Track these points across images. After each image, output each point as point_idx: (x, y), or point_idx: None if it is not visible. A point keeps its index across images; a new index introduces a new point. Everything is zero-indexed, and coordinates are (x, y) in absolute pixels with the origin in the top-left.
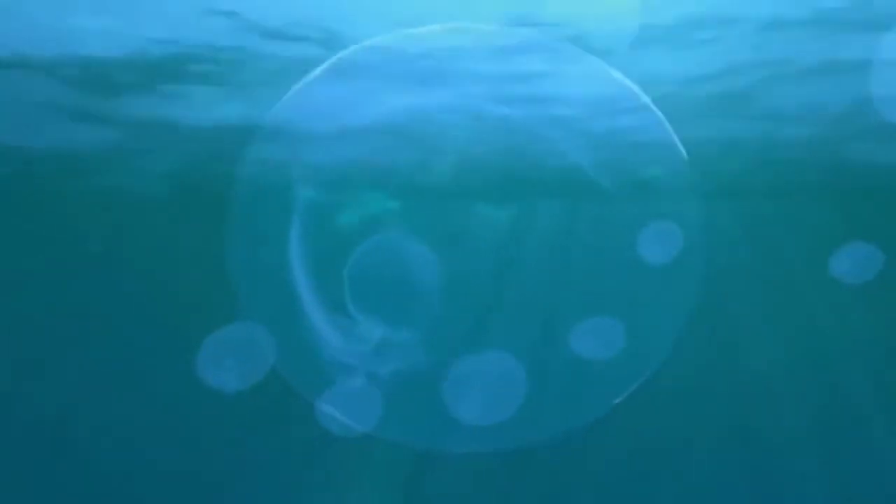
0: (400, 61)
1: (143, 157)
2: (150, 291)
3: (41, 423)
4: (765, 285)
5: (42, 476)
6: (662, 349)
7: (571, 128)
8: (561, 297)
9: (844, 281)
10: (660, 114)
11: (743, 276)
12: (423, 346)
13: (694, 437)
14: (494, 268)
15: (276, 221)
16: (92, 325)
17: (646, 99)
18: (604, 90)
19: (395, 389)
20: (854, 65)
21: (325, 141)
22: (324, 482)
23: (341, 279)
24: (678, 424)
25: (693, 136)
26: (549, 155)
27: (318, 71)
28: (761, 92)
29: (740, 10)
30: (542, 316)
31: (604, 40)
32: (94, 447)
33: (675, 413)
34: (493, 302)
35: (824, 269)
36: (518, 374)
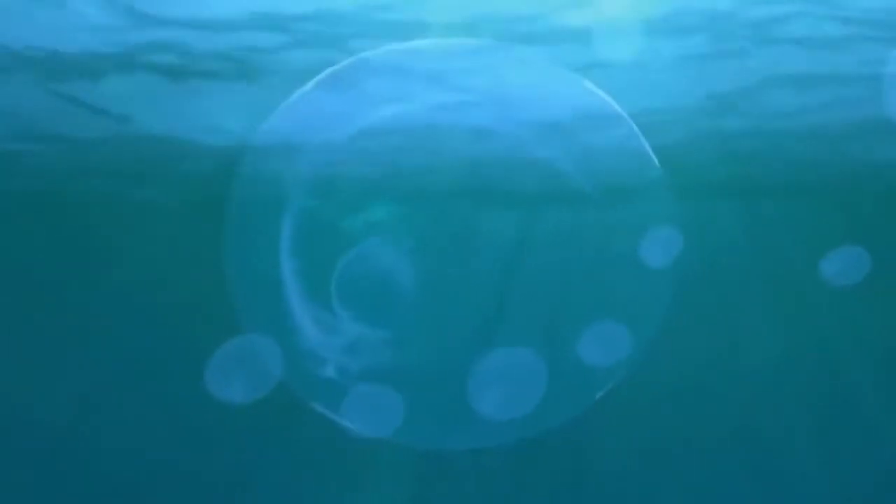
0: (389, 73)
1: (143, 161)
2: (152, 301)
3: (45, 433)
4: (764, 285)
5: (47, 487)
6: (657, 349)
7: (553, 137)
8: (554, 301)
9: (836, 283)
10: (633, 125)
11: (741, 276)
12: (424, 348)
13: (696, 435)
14: (485, 273)
15: (276, 231)
16: (93, 333)
17: (620, 110)
18: (581, 102)
19: (399, 392)
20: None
21: (322, 150)
22: (330, 487)
23: (339, 284)
24: (680, 424)
25: (690, 135)
26: (534, 162)
27: (312, 82)
28: (761, 91)
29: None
30: (538, 320)
31: (605, 49)
32: (98, 455)
33: (676, 412)
34: (491, 307)
35: (824, 268)
36: (523, 372)
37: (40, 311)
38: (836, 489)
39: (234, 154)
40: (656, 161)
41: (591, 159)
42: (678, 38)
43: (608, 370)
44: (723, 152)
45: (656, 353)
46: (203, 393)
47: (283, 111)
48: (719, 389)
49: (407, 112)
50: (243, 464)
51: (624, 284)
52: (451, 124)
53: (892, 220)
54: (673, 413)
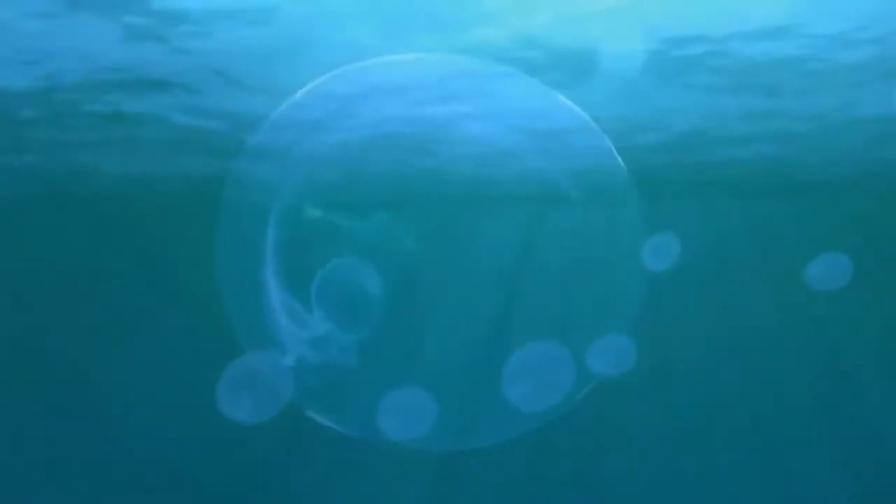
0: (379, 84)
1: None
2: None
3: (48, 441)
4: (763, 284)
5: (53, 491)
6: (657, 348)
7: (537, 144)
8: (549, 300)
9: (820, 288)
10: (602, 133)
11: (738, 275)
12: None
13: (697, 433)
14: (480, 273)
15: (270, 235)
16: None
17: (589, 120)
18: (555, 113)
19: (402, 394)
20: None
21: (314, 155)
22: (337, 491)
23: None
24: (679, 423)
25: (689, 136)
26: (521, 166)
27: (306, 89)
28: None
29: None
30: (538, 318)
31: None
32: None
33: (676, 411)
34: (488, 306)
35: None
36: (522, 371)
37: (46, 315)
38: (835, 483)
39: (232, 157)
40: (623, 165)
41: (566, 164)
42: (679, 45)
43: (602, 369)
44: (722, 152)
45: (656, 353)
46: (212, 405)
47: (279, 116)
48: (718, 387)
49: (390, 121)
50: (247, 466)
51: (604, 284)
52: (440, 131)
53: (891, 220)
54: (672, 412)
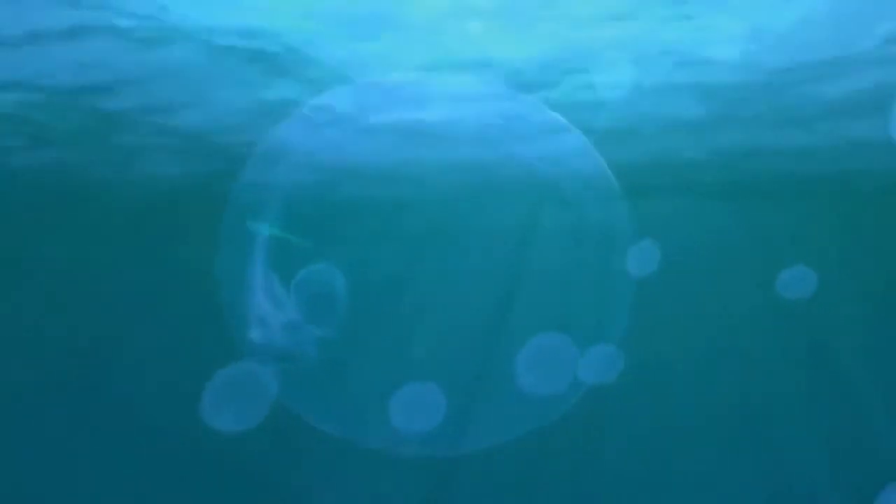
0: (388, 94)
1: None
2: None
3: (43, 452)
4: (756, 286)
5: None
6: (652, 349)
7: (525, 148)
8: (548, 297)
9: (787, 296)
10: (585, 139)
11: (733, 276)
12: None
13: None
14: (477, 271)
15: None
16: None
17: (573, 127)
18: (547, 124)
19: (398, 399)
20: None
21: (313, 159)
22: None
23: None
24: (675, 423)
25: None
26: (518, 168)
27: (313, 100)
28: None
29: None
30: (540, 318)
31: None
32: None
33: (670, 410)
34: (485, 305)
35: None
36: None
37: (45, 315)
38: (827, 483)
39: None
40: (608, 169)
41: (554, 168)
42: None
43: (599, 370)
44: (718, 155)
45: (652, 354)
46: (211, 407)
47: (287, 124)
48: (715, 388)
49: (390, 124)
50: (247, 468)
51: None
52: (435, 133)
53: (884, 221)
54: (668, 413)
